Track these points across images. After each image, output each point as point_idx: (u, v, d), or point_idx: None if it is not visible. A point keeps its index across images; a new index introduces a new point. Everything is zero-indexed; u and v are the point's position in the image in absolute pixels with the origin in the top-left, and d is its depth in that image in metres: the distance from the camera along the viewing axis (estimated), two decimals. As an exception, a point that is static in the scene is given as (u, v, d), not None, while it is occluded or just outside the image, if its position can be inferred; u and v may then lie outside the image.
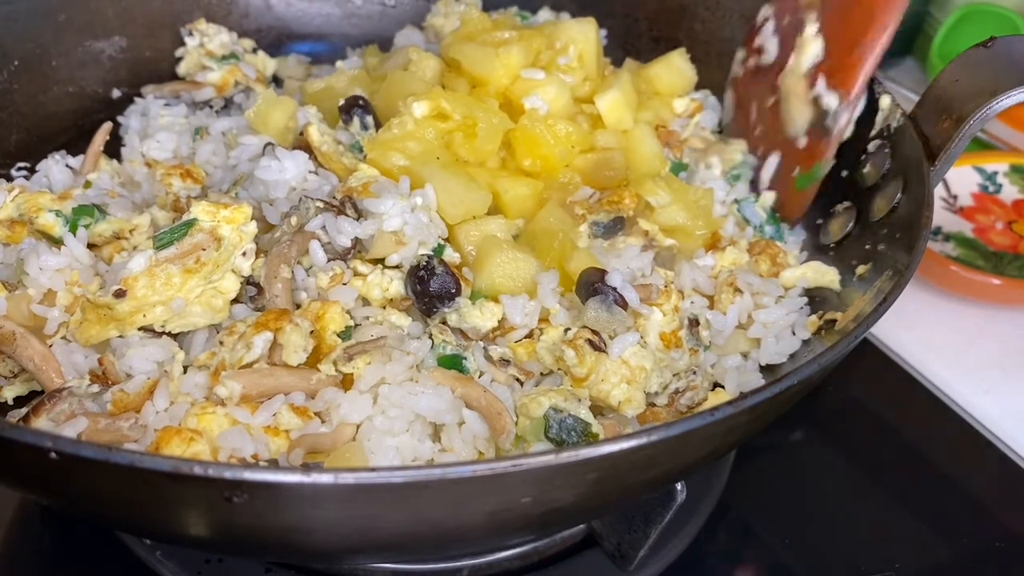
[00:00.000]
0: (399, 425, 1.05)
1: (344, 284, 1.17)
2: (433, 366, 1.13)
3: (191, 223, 1.14)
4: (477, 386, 1.09)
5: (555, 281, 1.20)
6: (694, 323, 1.23)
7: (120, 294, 1.09)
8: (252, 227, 1.17)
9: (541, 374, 1.19)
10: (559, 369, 1.16)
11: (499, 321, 1.19)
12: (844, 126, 1.32)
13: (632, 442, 0.82)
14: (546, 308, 1.19)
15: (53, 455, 0.76)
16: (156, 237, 1.14)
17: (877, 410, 1.51)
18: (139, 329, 1.14)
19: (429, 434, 1.08)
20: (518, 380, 1.17)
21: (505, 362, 1.17)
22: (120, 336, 1.14)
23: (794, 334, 1.24)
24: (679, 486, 1.04)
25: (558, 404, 1.08)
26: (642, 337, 1.17)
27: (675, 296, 1.21)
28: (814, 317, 1.25)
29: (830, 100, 1.34)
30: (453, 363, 1.13)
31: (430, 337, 1.16)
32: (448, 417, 1.07)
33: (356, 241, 1.18)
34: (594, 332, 1.14)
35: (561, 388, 1.13)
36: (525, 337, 1.19)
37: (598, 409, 1.15)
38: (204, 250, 1.12)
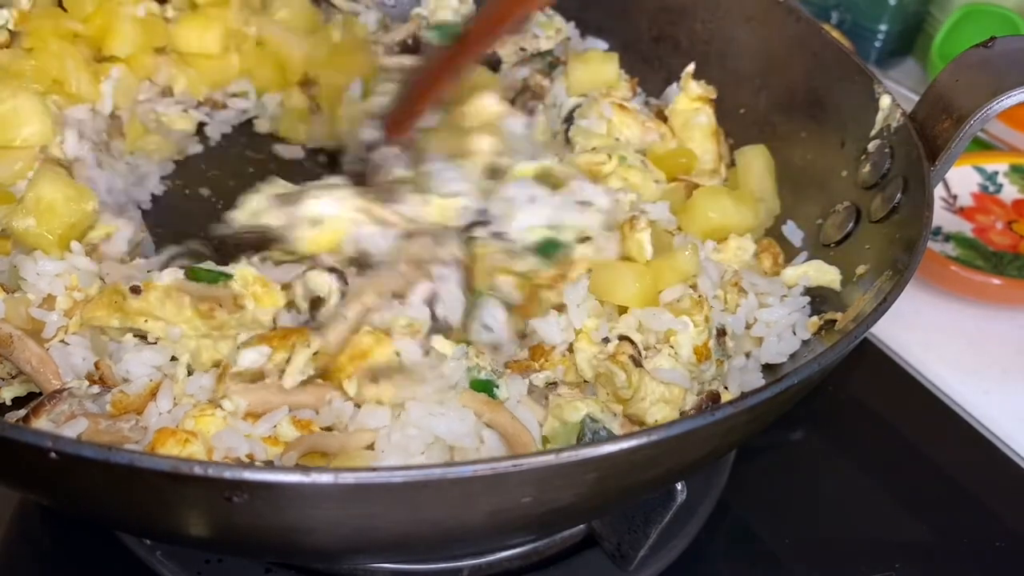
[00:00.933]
0: (416, 445, 1.03)
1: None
2: (465, 388, 1.10)
3: (227, 277, 1.13)
4: (506, 412, 1.07)
5: (583, 293, 1.20)
6: (721, 333, 1.22)
7: (136, 290, 1.10)
8: (268, 318, 1.14)
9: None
10: (598, 383, 1.16)
11: (531, 349, 1.19)
12: None
13: (632, 442, 0.82)
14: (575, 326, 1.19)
15: (53, 455, 0.76)
16: (193, 268, 1.14)
17: (877, 410, 1.51)
18: (135, 336, 1.14)
19: (447, 460, 1.05)
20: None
21: (553, 384, 1.16)
22: (118, 336, 1.14)
23: (795, 334, 1.24)
24: (679, 486, 1.04)
25: (595, 414, 1.07)
26: (674, 350, 1.17)
27: (707, 306, 1.20)
28: (815, 317, 1.25)
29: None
30: (484, 388, 1.10)
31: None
32: (468, 441, 1.04)
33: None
34: (633, 345, 1.14)
35: (598, 399, 1.13)
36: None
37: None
38: (220, 307, 1.11)
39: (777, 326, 1.24)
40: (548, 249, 1.22)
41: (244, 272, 1.14)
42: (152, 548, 1.18)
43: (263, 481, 0.76)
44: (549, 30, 1.72)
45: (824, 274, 1.28)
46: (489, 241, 1.23)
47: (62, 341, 1.15)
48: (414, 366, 1.10)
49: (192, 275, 1.13)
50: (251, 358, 1.07)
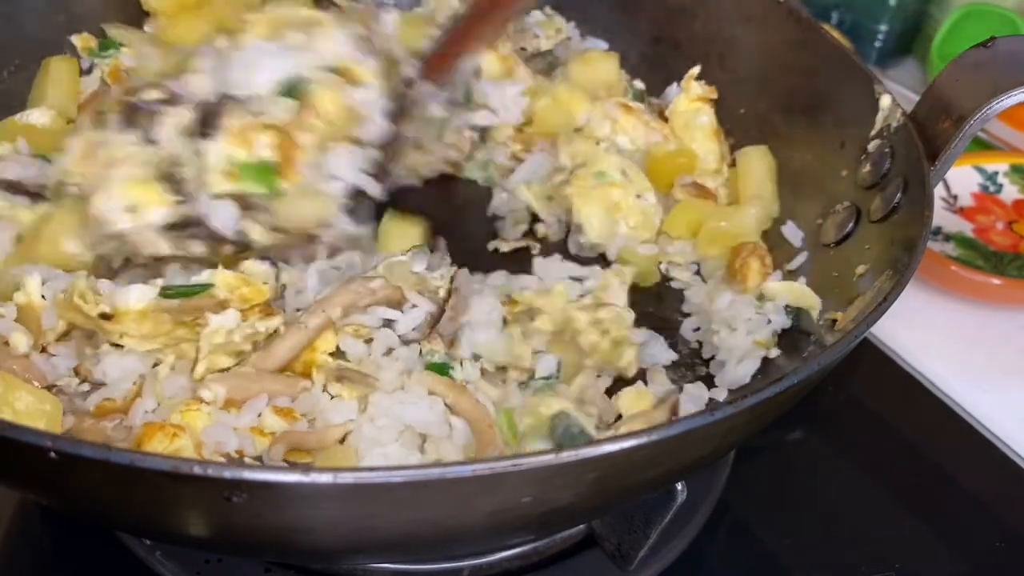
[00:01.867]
0: (388, 435, 1.04)
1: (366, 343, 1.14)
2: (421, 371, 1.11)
3: (206, 288, 1.11)
4: (470, 396, 1.08)
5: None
6: None
7: (106, 317, 1.07)
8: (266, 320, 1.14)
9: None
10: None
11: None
12: None
13: (632, 442, 0.82)
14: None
15: (53, 455, 0.76)
16: (166, 287, 1.10)
17: (877, 410, 1.51)
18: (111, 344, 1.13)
19: (419, 445, 1.07)
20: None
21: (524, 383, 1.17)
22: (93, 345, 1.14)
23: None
24: (679, 486, 1.04)
25: (568, 411, 1.08)
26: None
27: None
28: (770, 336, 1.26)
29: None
30: (440, 371, 1.11)
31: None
32: (437, 429, 1.06)
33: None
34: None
35: (571, 397, 1.14)
36: None
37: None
38: (205, 314, 1.10)
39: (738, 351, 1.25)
40: (292, 90, 1.20)
41: (224, 278, 1.12)
42: (152, 548, 1.18)
43: (263, 481, 0.76)
44: (549, 30, 1.72)
45: (805, 298, 1.28)
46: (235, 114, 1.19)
47: (43, 351, 1.13)
48: (365, 358, 1.11)
49: (166, 294, 1.09)
50: (219, 320, 1.06)
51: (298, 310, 1.16)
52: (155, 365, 1.11)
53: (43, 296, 1.13)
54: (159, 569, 1.17)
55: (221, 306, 1.10)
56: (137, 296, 1.08)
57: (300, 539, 0.90)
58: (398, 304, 1.15)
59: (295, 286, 1.20)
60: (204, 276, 1.12)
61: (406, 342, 1.15)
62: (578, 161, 1.48)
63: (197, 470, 0.75)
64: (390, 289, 1.14)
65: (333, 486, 0.76)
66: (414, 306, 1.15)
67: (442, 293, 1.16)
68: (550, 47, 1.72)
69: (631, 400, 1.17)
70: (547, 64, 1.73)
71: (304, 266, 1.23)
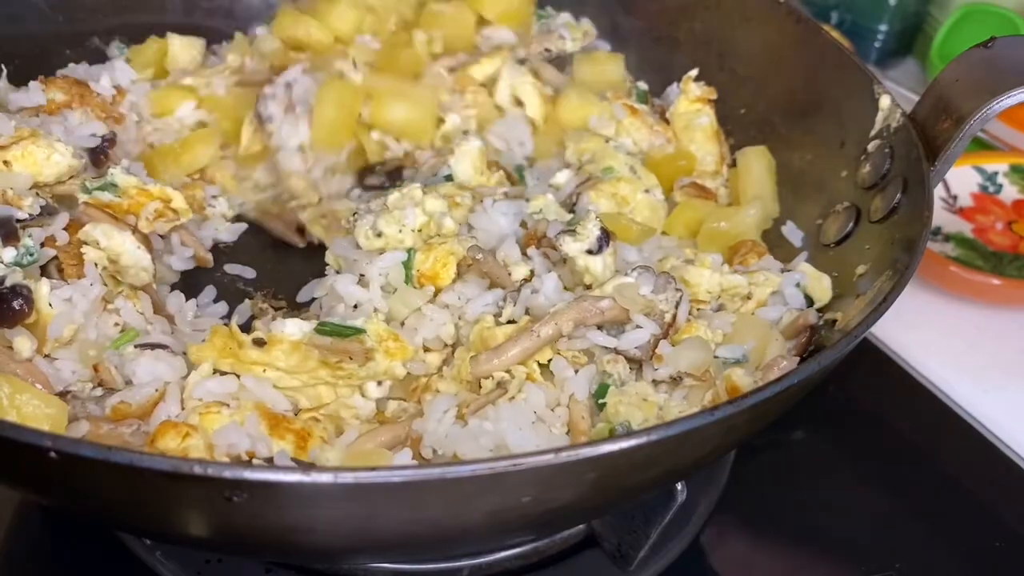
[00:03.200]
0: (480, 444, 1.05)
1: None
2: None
3: (358, 332, 1.13)
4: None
5: None
6: None
7: (260, 343, 1.09)
8: (400, 369, 1.15)
9: None
10: None
11: None
12: None
13: (632, 441, 0.82)
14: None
15: (53, 455, 0.76)
16: (322, 323, 1.13)
17: (877, 410, 1.51)
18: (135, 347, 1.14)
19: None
20: None
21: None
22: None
23: None
24: (679, 486, 1.04)
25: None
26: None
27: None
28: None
29: None
30: (601, 391, 1.13)
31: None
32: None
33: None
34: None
35: None
36: None
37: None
38: (350, 359, 1.11)
39: None
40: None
41: (376, 327, 1.15)
42: (152, 548, 1.19)
43: (263, 480, 0.76)
44: (576, 33, 1.73)
45: (819, 287, 1.27)
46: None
47: (47, 356, 1.13)
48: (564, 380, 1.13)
49: (323, 330, 1.13)
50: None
51: (527, 310, 1.18)
52: (184, 377, 1.12)
53: (50, 304, 1.13)
54: (159, 569, 1.17)
55: (366, 355, 1.12)
56: (293, 328, 1.12)
57: (301, 539, 0.90)
58: (623, 324, 1.16)
59: (530, 286, 1.20)
60: (359, 321, 1.15)
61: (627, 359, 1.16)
62: (585, 158, 1.48)
63: (197, 470, 0.75)
64: (618, 310, 1.15)
65: (333, 486, 0.76)
66: (638, 327, 1.15)
67: (668, 317, 1.16)
68: (576, 49, 1.72)
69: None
70: (557, 64, 1.73)
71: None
